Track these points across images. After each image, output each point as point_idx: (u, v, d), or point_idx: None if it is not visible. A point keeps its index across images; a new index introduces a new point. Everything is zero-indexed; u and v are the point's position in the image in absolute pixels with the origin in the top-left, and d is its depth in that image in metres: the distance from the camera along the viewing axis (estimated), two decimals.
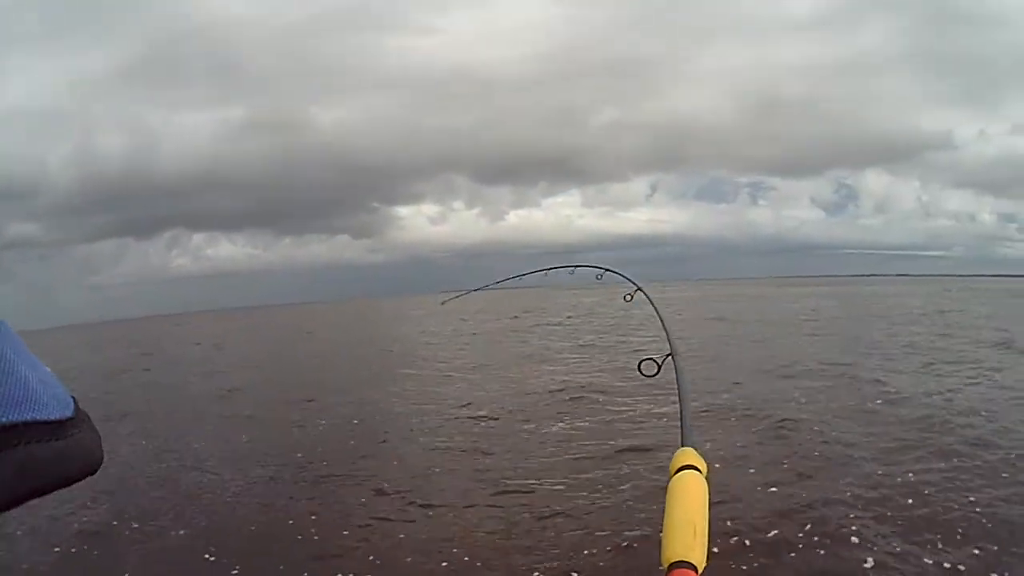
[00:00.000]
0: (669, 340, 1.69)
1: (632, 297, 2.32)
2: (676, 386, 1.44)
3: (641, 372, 1.56)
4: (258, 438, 8.98)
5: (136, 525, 5.73)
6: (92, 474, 0.45)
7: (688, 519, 0.92)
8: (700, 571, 0.86)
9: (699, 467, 1.05)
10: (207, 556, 5.02)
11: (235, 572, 4.76)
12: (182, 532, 5.57)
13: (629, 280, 2.40)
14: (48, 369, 0.45)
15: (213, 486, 6.80)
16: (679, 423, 1.25)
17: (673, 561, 0.87)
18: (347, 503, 6.12)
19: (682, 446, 1.13)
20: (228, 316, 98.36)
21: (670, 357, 1.59)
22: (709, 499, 0.98)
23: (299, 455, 7.85)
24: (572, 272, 2.97)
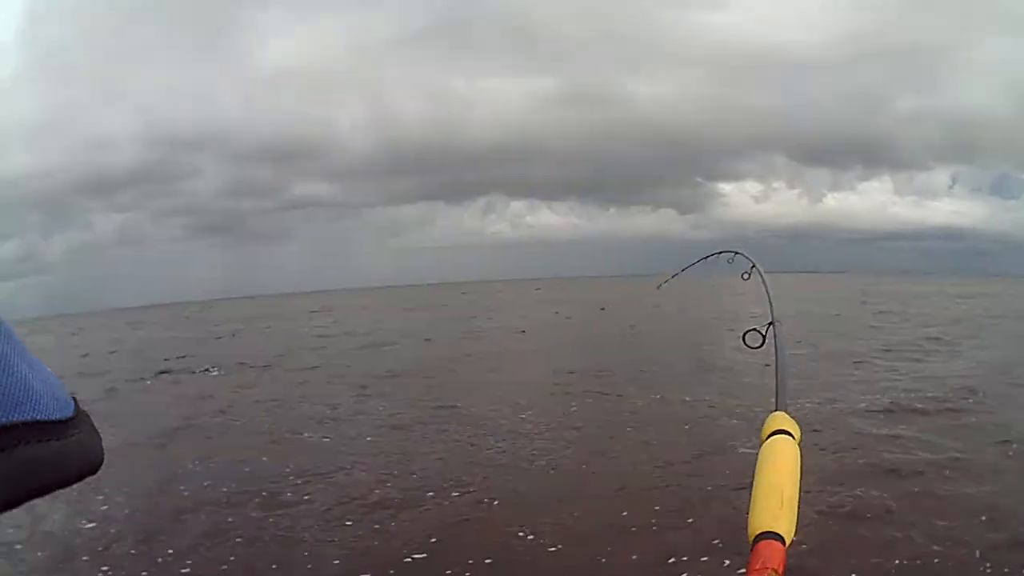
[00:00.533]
0: (772, 311, 1.66)
1: (749, 275, 2.44)
2: (775, 352, 1.39)
3: (745, 343, 1.54)
4: None
5: None
6: (92, 474, 0.46)
7: (776, 487, 0.88)
8: (788, 543, 0.82)
9: (792, 432, 1.01)
10: None
11: None
12: None
13: (749, 259, 2.49)
14: (48, 369, 0.45)
15: None
16: (775, 387, 1.20)
17: (759, 532, 0.83)
18: None
19: (776, 410, 1.10)
20: (564, 285, 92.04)
21: (771, 326, 1.57)
22: (802, 467, 0.93)
23: None
24: (731, 261, 2.89)
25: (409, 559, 4.97)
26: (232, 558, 5.09)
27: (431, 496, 6.22)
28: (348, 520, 5.76)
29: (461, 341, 19.49)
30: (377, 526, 5.62)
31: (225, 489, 6.63)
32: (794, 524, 0.84)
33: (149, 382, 14.34)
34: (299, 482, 6.75)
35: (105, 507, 6.15)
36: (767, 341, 1.51)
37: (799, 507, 0.86)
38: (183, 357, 17.85)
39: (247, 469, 7.29)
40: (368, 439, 8.47)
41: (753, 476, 0.91)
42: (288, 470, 7.11)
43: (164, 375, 15.00)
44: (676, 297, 30.18)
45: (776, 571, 0.78)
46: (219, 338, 25.85)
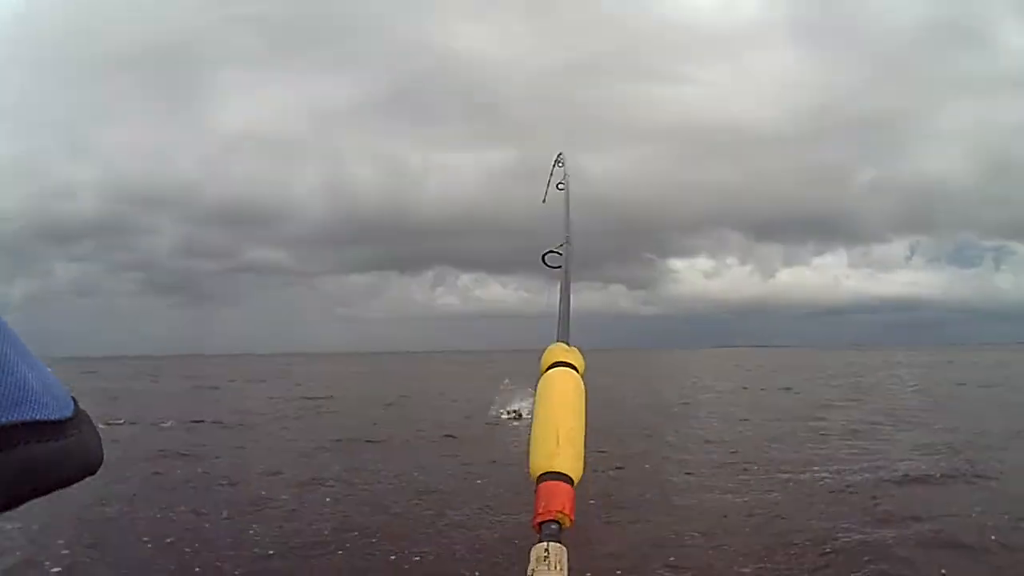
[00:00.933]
0: (568, 231, 1.48)
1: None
2: (564, 275, 1.29)
3: (545, 262, 1.39)
4: None
5: None
6: (92, 474, 0.46)
7: (554, 423, 0.82)
8: (576, 482, 0.78)
9: (575, 365, 0.92)
10: None
11: None
12: None
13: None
14: (48, 369, 0.45)
15: None
16: (556, 320, 1.09)
17: (540, 473, 0.79)
18: None
19: (556, 341, 1.00)
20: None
21: (565, 244, 1.42)
22: (587, 401, 0.87)
23: None
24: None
25: None
26: None
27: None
28: None
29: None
30: None
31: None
32: (581, 463, 0.80)
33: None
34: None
35: None
36: (564, 260, 1.34)
37: (586, 445, 0.81)
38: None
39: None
40: None
41: (532, 413, 0.86)
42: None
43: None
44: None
45: (564, 513, 0.74)
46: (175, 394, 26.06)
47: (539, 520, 0.76)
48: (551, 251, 1.41)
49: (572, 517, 0.76)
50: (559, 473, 0.78)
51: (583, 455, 0.82)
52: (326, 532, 6.41)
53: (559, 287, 1.26)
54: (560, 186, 1.77)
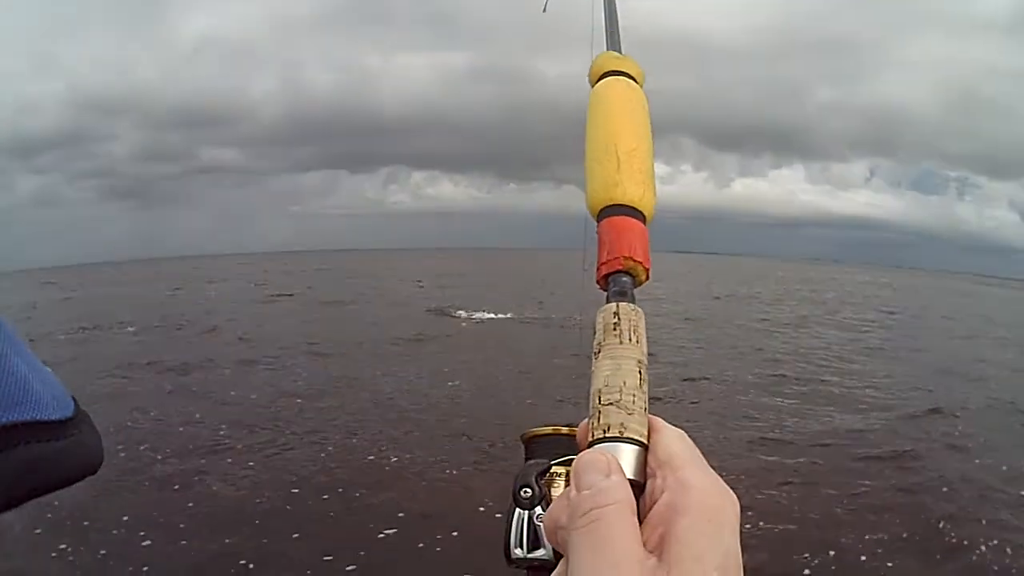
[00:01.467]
0: None
1: None
2: None
3: None
4: None
5: None
6: (92, 474, 0.46)
7: (612, 142, 0.59)
8: (648, 220, 0.57)
9: (632, 74, 0.68)
10: None
11: None
12: None
13: None
14: (48, 369, 0.44)
15: None
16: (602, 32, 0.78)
17: (605, 206, 0.57)
18: None
19: (607, 49, 0.74)
20: (459, 255, 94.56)
21: None
22: (651, 113, 0.64)
23: None
24: None
25: None
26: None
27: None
28: None
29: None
30: None
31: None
32: (652, 194, 0.58)
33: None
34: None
35: None
36: None
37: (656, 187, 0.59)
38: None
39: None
40: None
41: (585, 140, 0.62)
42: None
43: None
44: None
45: (636, 261, 0.53)
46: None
47: (604, 272, 0.54)
48: None
49: (648, 268, 0.54)
50: (626, 206, 0.57)
51: (654, 186, 0.60)
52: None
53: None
54: None
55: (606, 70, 0.68)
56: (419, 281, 32.09)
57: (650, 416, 0.45)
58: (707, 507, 0.39)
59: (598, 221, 0.57)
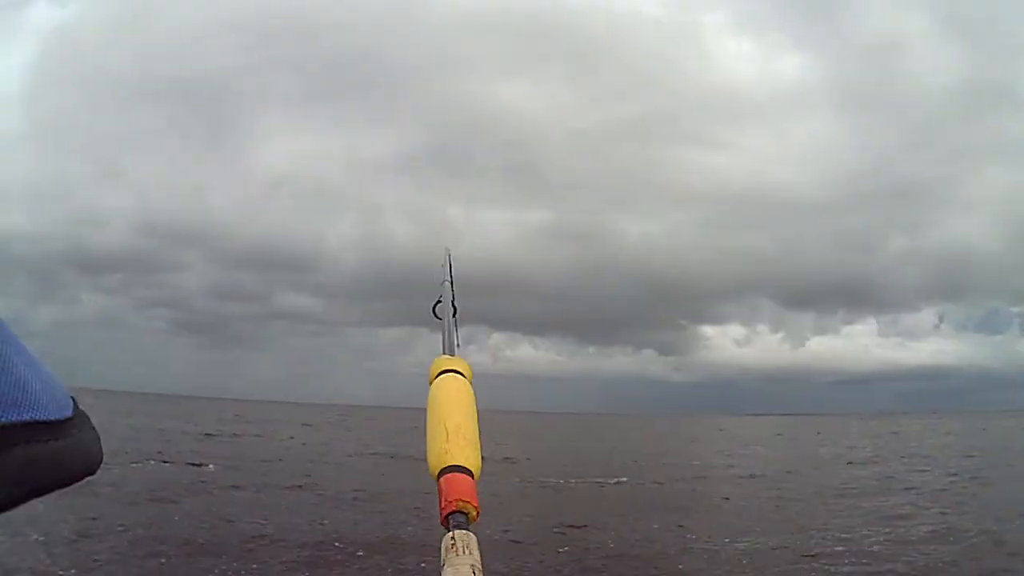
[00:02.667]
0: (449, 269, 1.52)
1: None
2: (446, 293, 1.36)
3: (435, 314, 1.36)
4: None
5: None
6: (92, 474, 0.45)
7: (447, 422, 0.86)
8: (476, 476, 0.81)
9: (462, 371, 0.99)
10: None
11: None
12: None
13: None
14: (48, 369, 0.44)
15: None
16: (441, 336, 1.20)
17: (441, 468, 0.81)
18: None
19: (442, 354, 1.07)
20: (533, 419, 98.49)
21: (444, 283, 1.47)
22: (477, 404, 0.92)
23: None
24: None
25: None
26: None
27: None
28: None
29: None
30: None
31: None
32: (478, 456, 0.83)
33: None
34: None
35: None
36: (443, 292, 1.38)
37: (481, 443, 0.86)
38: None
39: None
40: None
41: (425, 418, 0.88)
42: None
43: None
44: None
45: (467, 502, 0.76)
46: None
47: (445, 513, 0.77)
48: (438, 302, 1.39)
49: (477, 507, 0.77)
50: (456, 466, 0.80)
51: (479, 449, 0.84)
52: None
53: (446, 309, 1.32)
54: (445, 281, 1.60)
55: (440, 369, 0.98)
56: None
57: None
58: None
59: (437, 479, 0.81)
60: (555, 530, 10.01)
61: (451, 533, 0.73)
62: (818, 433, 41.62)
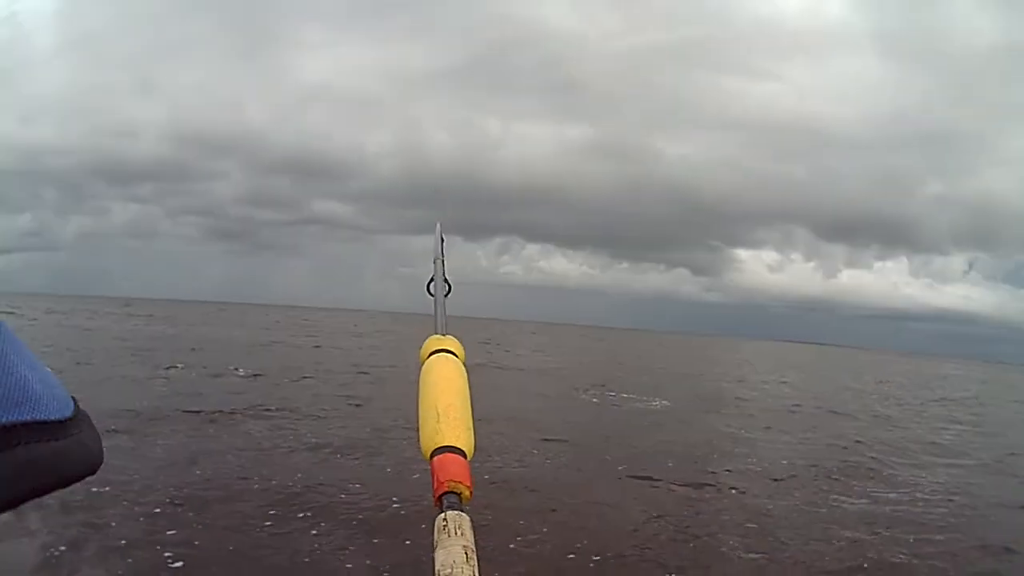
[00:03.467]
0: (441, 249, 1.33)
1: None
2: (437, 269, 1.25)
3: (428, 292, 1.24)
4: None
5: None
6: (92, 474, 0.45)
7: (441, 403, 0.83)
8: (469, 456, 0.80)
9: (454, 351, 0.96)
10: None
11: None
12: None
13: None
14: (48, 369, 0.45)
15: None
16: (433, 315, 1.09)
17: (433, 448, 0.79)
18: None
19: (434, 333, 1.02)
20: (553, 329, 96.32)
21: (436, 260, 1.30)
22: (470, 383, 0.89)
23: None
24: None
25: None
26: None
27: None
28: None
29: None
30: None
31: None
32: (471, 436, 0.81)
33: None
34: None
35: None
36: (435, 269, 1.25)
37: (474, 424, 0.82)
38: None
39: None
40: None
41: (417, 399, 0.86)
42: None
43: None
44: None
45: (459, 482, 0.74)
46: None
47: (438, 494, 0.75)
48: (431, 280, 1.27)
49: (471, 487, 0.76)
50: (448, 447, 0.78)
51: (472, 429, 0.82)
52: None
53: (438, 287, 1.21)
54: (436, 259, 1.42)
55: (432, 350, 0.94)
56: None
57: None
58: None
59: (430, 460, 0.78)
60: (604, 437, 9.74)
61: (444, 514, 0.71)
62: (855, 369, 40.48)
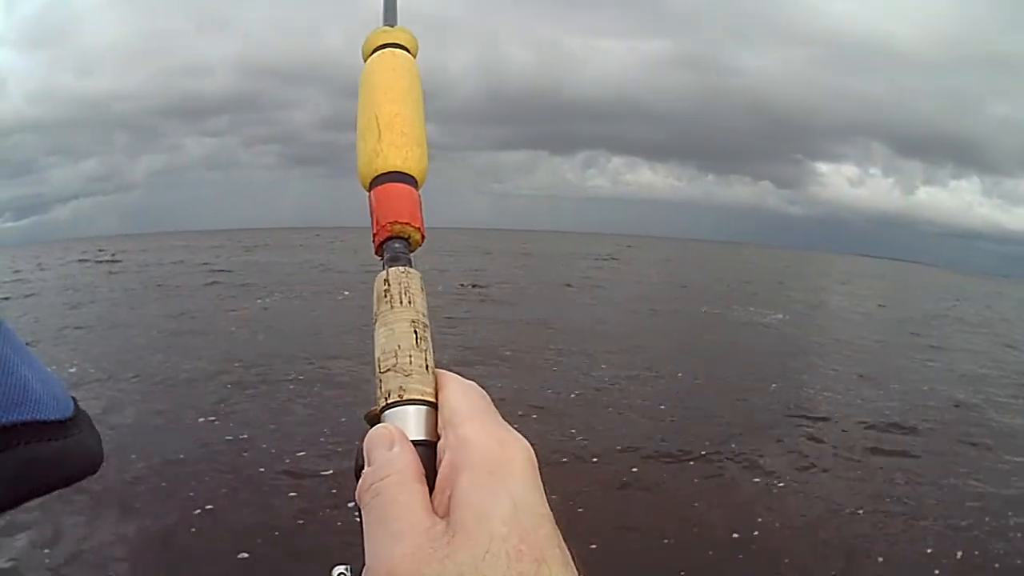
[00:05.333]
0: None
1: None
2: None
3: None
4: None
5: None
6: (92, 474, 0.45)
7: (374, 112, 0.57)
8: (420, 183, 0.56)
9: (404, 44, 0.64)
10: None
11: None
12: None
13: None
14: (48, 369, 0.45)
15: None
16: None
17: (370, 179, 0.55)
18: None
19: (382, 26, 0.67)
20: (649, 243, 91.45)
21: None
22: (422, 86, 0.61)
23: None
24: None
25: None
26: None
27: None
28: None
29: None
30: None
31: None
32: (422, 157, 0.56)
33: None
34: None
35: None
36: None
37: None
38: None
39: None
40: None
41: (357, 107, 0.59)
42: None
43: None
44: None
45: (407, 223, 0.52)
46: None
47: (379, 240, 0.53)
48: None
49: (422, 229, 0.53)
50: (393, 172, 0.54)
51: (425, 148, 0.57)
52: None
53: None
54: None
55: (376, 45, 0.65)
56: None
57: (440, 372, 0.45)
58: (487, 460, 0.38)
59: (369, 191, 0.56)
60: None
61: (384, 273, 0.48)
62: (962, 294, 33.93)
